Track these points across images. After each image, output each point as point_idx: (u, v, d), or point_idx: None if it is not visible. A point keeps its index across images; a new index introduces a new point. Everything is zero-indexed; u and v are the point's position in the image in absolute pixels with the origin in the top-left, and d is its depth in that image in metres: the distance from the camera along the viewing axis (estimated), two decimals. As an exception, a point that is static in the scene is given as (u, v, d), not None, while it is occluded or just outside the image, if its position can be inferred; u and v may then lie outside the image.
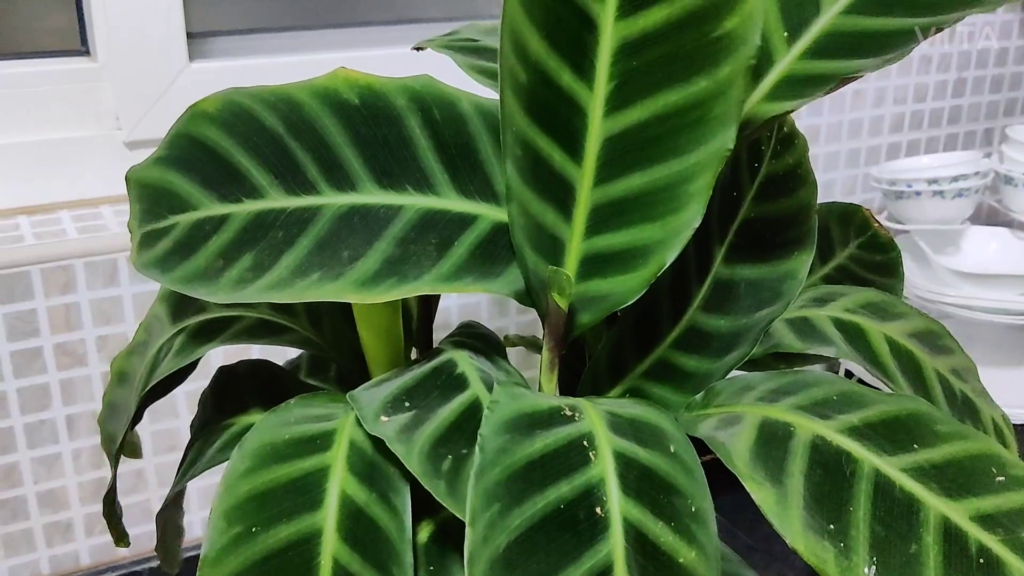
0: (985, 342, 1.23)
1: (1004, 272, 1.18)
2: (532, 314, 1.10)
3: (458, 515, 0.44)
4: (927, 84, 1.35)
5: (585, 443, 0.45)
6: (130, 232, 0.54)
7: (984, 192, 1.24)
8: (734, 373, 0.54)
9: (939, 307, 1.14)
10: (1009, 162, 1.25)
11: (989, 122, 1.44)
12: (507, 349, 0.64)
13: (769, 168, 0.57)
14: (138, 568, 0.96)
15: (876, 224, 0.73)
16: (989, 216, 1.43)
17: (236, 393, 0.62)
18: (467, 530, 0.41)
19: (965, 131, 1.42)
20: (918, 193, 1.19)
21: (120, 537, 0.65)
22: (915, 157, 1.30)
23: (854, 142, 1.32)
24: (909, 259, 1.23)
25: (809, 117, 1.26)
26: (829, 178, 1.31)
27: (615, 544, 0.41)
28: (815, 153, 1.29)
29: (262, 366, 0.64)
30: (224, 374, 0.63)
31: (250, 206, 0.52)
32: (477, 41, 0.68)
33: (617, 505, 0.42)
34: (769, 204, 0.57)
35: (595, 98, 0.48)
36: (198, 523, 0.99)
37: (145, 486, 0.95)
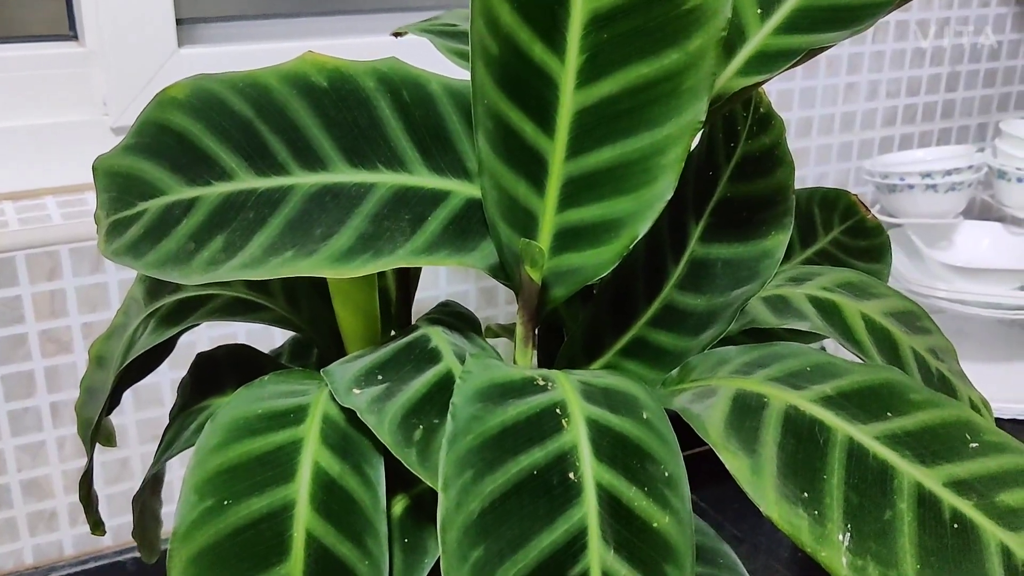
0: (977, 337, 1.23)
1: (996, 267, 1.18)
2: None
3: (428, 483, 0.43)
4: (920, 78, 1.35)
5: (558, 410, 0.45)
6: (96, 222, 0.54)
7: (977, 187, 1.23)
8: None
9: (931, 301, 1.14)
10: (1002, 157, 1.25)
11: (982, 117, 1.43)
12: (491, 340, 0.63)
13: (745, 148, 0.57)
14: (121, 558, 0.96)
15: (863, 209, 0.72)
16: (982, 211, 1.43)
17: (214, 376, 0.62)
18: (440, 496, 0.41)
19: (958, 126, 1.41)
20: (911, 187, 1.19)
21: (96, 525, 0.65)
22: (909, 151, 1.29)
23: (847, 135, 1.31)
24: (902, 253, 1.23)
25: (801, 110, 1.26)
26: (821, 171, 1.31)
27: (589, 509, 0.41)
28: (807, 146, 1.29)
29: (241, 350, 0.64)
30: (203, 359, 0.63)
31: (219, 188, 0.52)
32: (456, 26, 0.68)
33: (590, 470, 0.42)
34: (746, 184, 0.56)
35: (566, 71, 0.48)
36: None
37: (130, 475, 0.95)
